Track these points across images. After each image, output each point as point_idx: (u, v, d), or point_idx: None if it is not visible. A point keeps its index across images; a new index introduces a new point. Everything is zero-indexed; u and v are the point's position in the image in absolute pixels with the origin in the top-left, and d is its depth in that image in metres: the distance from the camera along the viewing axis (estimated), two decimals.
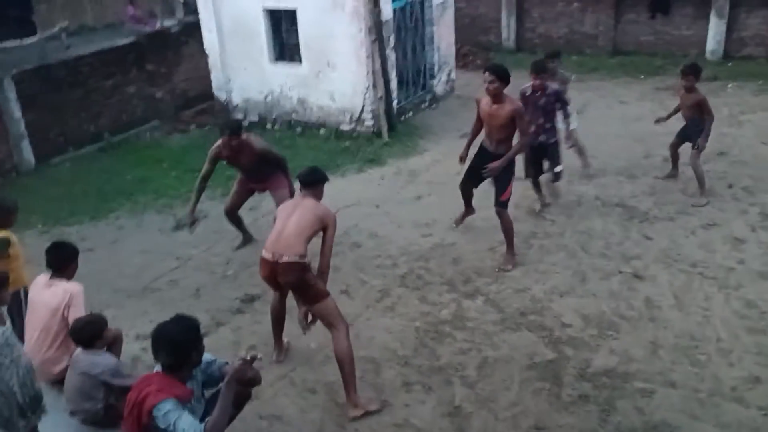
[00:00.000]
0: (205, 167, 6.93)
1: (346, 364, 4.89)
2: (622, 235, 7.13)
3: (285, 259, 4.85)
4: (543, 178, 7.66)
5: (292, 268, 4.86)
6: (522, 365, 5.34)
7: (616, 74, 12.94)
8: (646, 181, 8.30)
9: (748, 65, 12.68)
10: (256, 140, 6.98)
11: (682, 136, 7.97)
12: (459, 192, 7.12)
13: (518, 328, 5.80)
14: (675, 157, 8.26)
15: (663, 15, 13.73)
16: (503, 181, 6.54)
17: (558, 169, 7.48)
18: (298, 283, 4.93)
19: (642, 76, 12.58)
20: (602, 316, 5.87)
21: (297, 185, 5.70)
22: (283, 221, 5.01)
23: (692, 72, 7.52)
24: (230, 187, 8.97)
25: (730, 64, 12.87)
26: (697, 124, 7.64)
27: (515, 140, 6.56)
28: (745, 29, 13.06)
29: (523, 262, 6.76)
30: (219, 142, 6.90)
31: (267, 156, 6.92)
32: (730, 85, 11.78)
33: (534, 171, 7.63)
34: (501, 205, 6.61)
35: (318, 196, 5.22)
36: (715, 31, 13.12)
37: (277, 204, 7.04)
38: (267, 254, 4.96)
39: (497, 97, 6.27)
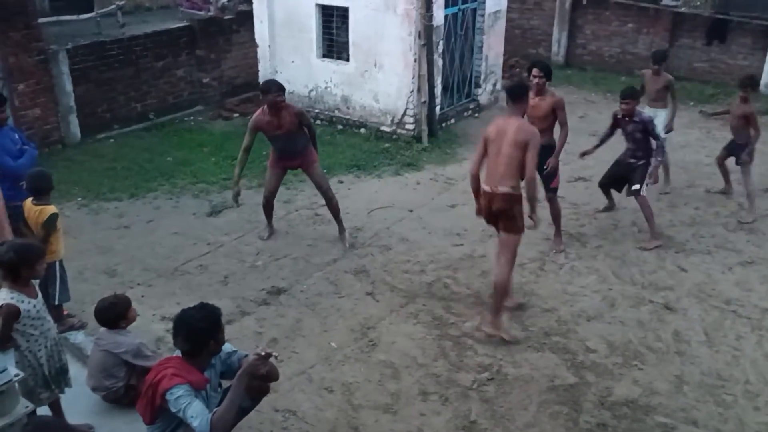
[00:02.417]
0: (247, 139, 7.04)
1: (499, 290, 5.75)
2: (656, 264, 7.00)
3: (500, 189, 5.59)
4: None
5: (505, 198, 5.60)
6: (542, 386, 5.28)
7: None
8: (687, 212, 8.13)
9: None
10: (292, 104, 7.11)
11: (729, 149, 8.15)
12: None
13: (541, 348, 5.73)
14: (724, 172, 8.37)
15: (720, 43, 13.45)
16: (551, 172, 6.98)
17: (635, 187, 7.24)
18: (506, 211, 5.64)
19: (692, 103, 12.31)
20: (628, 344, 5.77)
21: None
22: (494, 159, 5.63)
23: (750, 84, 7.82)
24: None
25: None
26: (741, 138, 7.85)
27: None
28: None
29: (552, 283, 6.69)
30: (258, 110, 7.00)
31: (304, 118, 7.05)
32: None
33: (608, 183, 7.78)
34: (551, 191, 7.10)
35: (523, 109, 5.85)
36: None
37: (315, 182, 7.31)
38: (486, 187, 5.69)
39: (540, 91, 6.85)
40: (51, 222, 5.33)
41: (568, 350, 5.70)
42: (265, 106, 6.91)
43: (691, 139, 10.59)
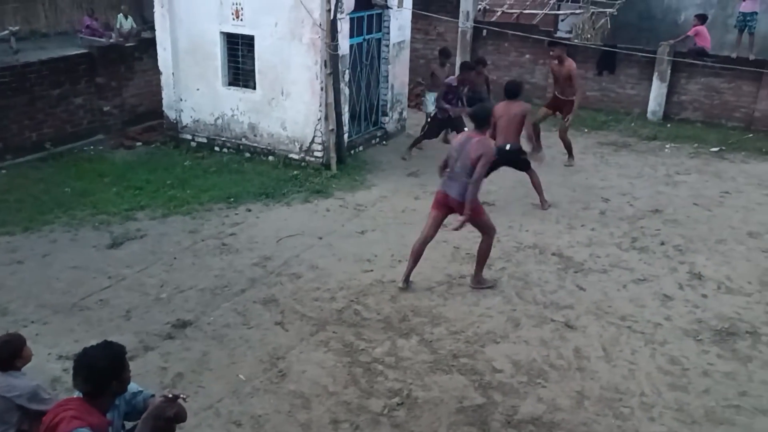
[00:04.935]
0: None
1: None
2: (556, 284, 7.29)
3: None
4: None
5: None
6: (451, 408, 5.36)
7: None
8: (584, 233, 8.53)
9: (685, 128, 13.24)
10: None
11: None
12: (402, 231, 7.18)
13: (450, 370, 5.84)
14: None
15: (609, 73, 14.30)
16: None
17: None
18: None
19: (586, 130, 13.00)
20: (532, 363, 5.96)
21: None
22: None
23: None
24: (171, 208, 8.89)
25: (669, 125, 13.41)
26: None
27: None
28: (684, 93, 13.69)
29: (459, 305, 6.84)
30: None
31: None
32: (667, 146, 12.27)
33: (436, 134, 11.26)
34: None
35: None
36: (656, 93, 13.70)
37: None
38: None
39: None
40: None
41: (476, 371, 5.83)
42: None
43: (586, 164, 11.15)
